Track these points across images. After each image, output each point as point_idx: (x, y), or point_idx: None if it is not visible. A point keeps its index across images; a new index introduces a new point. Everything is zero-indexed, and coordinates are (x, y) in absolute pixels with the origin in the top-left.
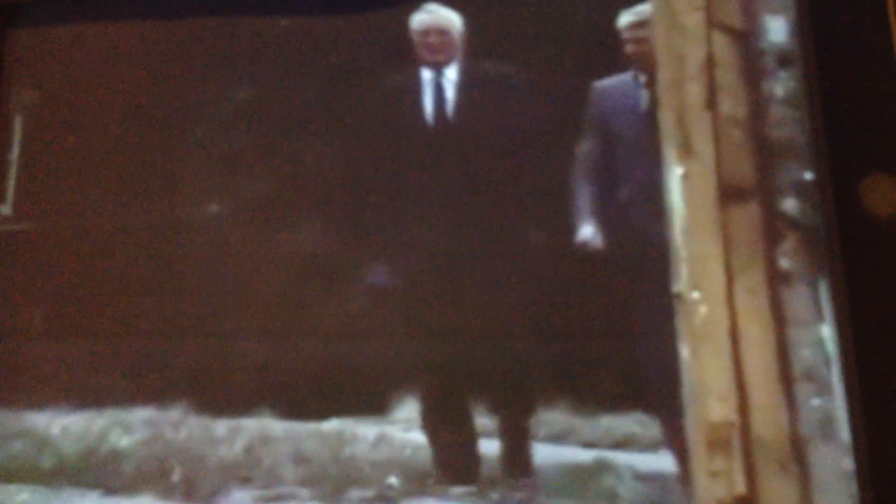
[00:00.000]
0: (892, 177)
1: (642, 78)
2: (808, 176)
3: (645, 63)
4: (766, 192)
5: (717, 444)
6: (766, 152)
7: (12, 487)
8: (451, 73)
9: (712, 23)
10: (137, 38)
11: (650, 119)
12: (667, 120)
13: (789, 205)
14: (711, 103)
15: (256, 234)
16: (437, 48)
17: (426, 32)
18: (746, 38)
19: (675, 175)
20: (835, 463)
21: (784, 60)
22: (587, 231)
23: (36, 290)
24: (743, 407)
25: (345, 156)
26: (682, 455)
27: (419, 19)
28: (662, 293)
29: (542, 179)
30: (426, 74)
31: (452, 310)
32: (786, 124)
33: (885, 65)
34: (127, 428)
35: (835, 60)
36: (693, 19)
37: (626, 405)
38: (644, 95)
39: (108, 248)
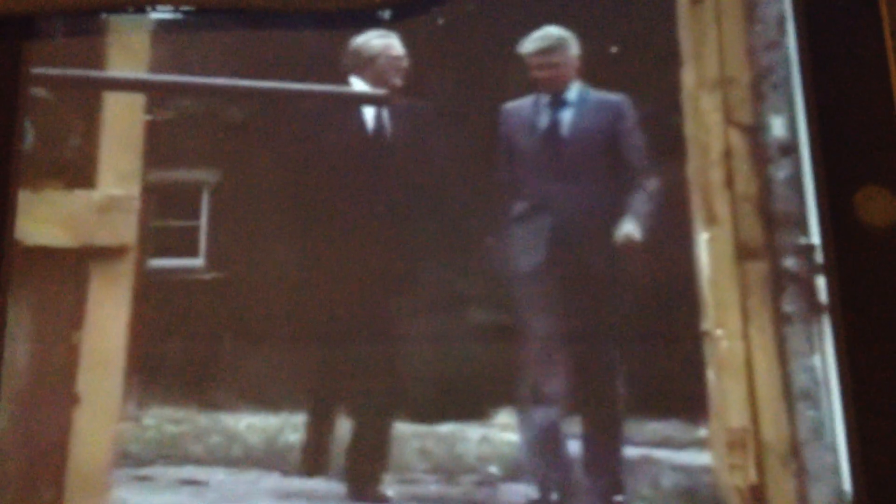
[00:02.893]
0: (885, 188)
1: (544, 99)
2: (805, 240)
3: (548, 86)
4: (772, 253)
5: (735, 445)
6: (771, 222)
7: (212, 469)
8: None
9: (729, 121)
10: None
11: (548, 137)
12: (696, 196)
13: (790, 262)
14: (729, 183)
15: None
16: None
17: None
18: (755, 133)
19: (702, 239)
20: (823, 460)
21: (784, 150)
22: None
23: (224, 322)
24: (755, 417)
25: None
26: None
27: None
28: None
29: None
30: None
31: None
32: (786, 200)
33: (878, 78)
34: (295, 427)
35: (830, 74)
36: (715, 118)
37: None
38: (545, 114)
39: (276, 289)
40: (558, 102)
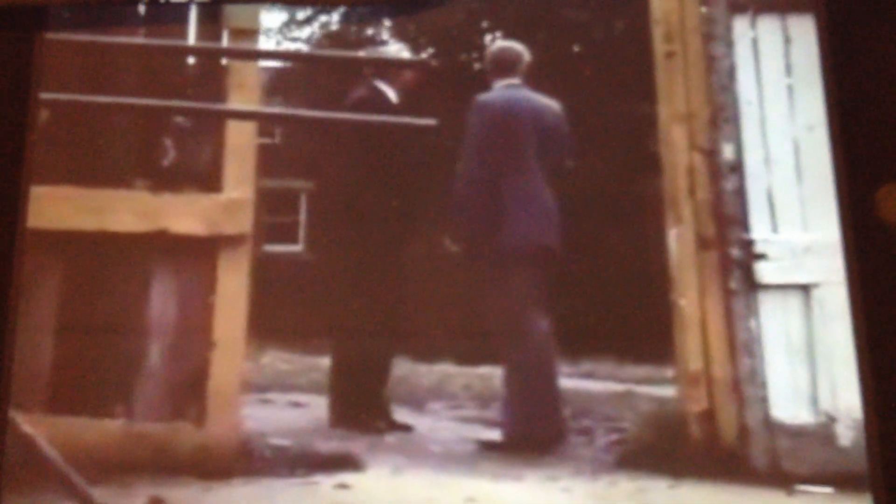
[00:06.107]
0: None
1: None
2: (746, 235)
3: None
4: (722, 244)
5: (693, 382)
6: (722, 222)
7: (312, 396)
8: None
9: (692, 146)
10: None
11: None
12: (669, 202)
13: (735, 252)
14: (692, 192)
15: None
16: None
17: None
18: (711, 155)
19: (672, 234)
20: (756, 393)
21: (733, 168)
22: None
23: (317, 293)
24: (707, 362)
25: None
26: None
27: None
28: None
29: None
30: None
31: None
32: (733, 205)
33: None
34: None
35: (853, 74)
36: (682, 144)
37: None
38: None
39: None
40: None
